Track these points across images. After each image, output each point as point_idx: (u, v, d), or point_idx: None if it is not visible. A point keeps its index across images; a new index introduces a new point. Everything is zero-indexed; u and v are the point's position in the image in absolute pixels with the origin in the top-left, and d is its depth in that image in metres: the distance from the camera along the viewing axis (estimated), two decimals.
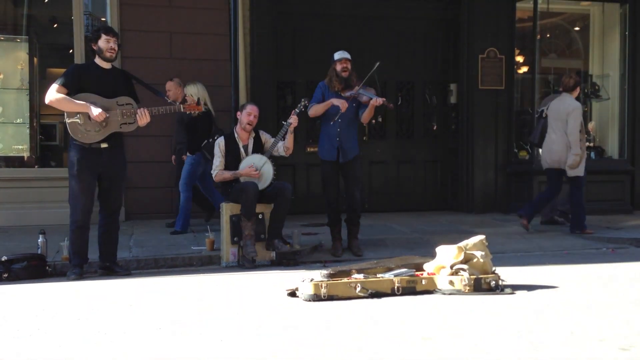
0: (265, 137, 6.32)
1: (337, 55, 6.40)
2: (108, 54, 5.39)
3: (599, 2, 9.91)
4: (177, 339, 3.48)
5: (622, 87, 9.81)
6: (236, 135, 6.21)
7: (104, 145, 5.37)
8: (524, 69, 9.83)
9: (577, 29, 10.44)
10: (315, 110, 6.38)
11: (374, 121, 9.14)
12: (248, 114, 6.14)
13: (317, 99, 6.41)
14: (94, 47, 5.39)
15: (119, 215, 5.74)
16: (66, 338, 3.51)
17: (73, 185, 5.37)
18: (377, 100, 6.12)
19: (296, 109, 6.24)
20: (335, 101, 6.24)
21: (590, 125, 9.88)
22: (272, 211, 6.04)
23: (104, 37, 5.36)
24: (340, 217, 6.54)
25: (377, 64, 6.22)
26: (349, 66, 6.32)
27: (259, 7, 8.59)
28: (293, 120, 6.13)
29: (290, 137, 6.18)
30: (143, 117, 5.40)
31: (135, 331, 3.64)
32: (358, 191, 6.46)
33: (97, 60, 5.41)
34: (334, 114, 6.28)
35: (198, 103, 6.99)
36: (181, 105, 5.59)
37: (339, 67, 6.32)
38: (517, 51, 9.53)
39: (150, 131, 6.36)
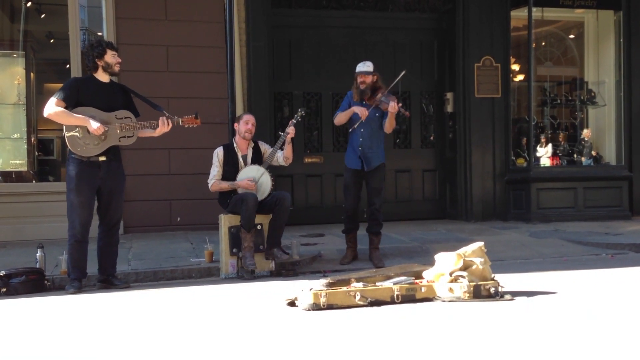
0: (264, 147, 6.33)
1: (357, 69, 6.44)
2: (116, 69, 5.46)
3: (593, 10, 9.96)
4: (177, 350, 3.46)
5: (617, 94, 9.84)
6: (235, 146, 6.22)
7: (102, 158, 5.37)
8: (520, 77, 9.88)
9: (571, 36, 10.50)
10: (339, 118, 6.49)
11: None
12: (246, 123, 6.17)
13: (343, 108, 6.49)
14: (99, 63, 5.39)
15: (119, 228, 5.73)
16: (63, 352, 3.50)
17: (71, 199, 5.36)
18: (393, 107, 6.14)
19: (293, 120, 6.29)
20: (357, 109, 6.29)
21: (586, 132, 9.91)
22: (271, 220, 6.04)
23: (109, 52, 5.41)
24: (356, 226, 6.55)
25: (403, 72, 6.29)
26: (367, 80, 6.34)
27: (254, 20, 8.62)
28: (290, 130, 6.15)
29: (288, 147, 6.20)
30: (164, 126, 5.46)
31: (133, 343, 3.63)
32: (378, 201, 6.46)
33: (97, 74, 5.43)
34: (354, 121, 6.33)
35: None
36: (179, 119, 5.59)
37: (358, 80, 6.38)
38: (512, 59, 9.57)
39: (148, 144, 6.38)
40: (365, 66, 6.40)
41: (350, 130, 6.43)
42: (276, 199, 6.01)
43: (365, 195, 6.54)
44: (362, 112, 6.24)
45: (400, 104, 6.26)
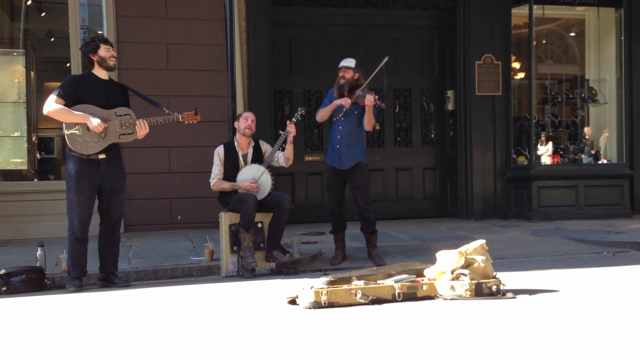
0: (265, 146, 6.31)
1: (340, 64, 6.40)
2: (111, 63, 5.41)
3: (594, 7, 9.95)
4: (178, 348, 3.45)
5: (618, 92, 9.82)
6: (236, 144, 6.21)
7: (102, 156, 5.35)
8: (521, 74, 9.86)
9: (572, 34, 10.48)
10: (321, 114, 6.42)
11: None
12: (245, 119, 6.17)
13: (324, 105, 6.43)
14: (94, 58, 5.37)
15: (120, 227, 5.71)
16: (63, 351, 3.49)
17: (71, 197, 5.34)
18: (369, 99, 6.03)
19: (293, 118, 6.25)
20: (338, 101, 6.21)
21: (587, 130, 9.90)
22: (271, 222, 6.02)
23: (103, 46, 5.37)
24: (343, 225, 6.47)
25: (386, 58, 6.17)
26: (347, 75, 6.27)
27: (255, 17, 8.61)
28: (291, 129, 6.12)
29: (290, 148, 6.17)
30: (142, 128, 5.39)
31: (133, 342, 3.61)
32: (362, 200, 6.31)
33: (95, 71, 5.41)
34: (336, 113, 6.26)
35: None
36: (179, 116, 5.55)
37: (339, 75, 6.34)
38: (513, 57, 9.56)
39: (148, 142, 6.35)
40: (347, 61, 6.35)
41: (334, 119, 6.30)
42: (275, 201, 5.99)
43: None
44: (344, 101, 6.13)
45: (377, 97, 6.16)
